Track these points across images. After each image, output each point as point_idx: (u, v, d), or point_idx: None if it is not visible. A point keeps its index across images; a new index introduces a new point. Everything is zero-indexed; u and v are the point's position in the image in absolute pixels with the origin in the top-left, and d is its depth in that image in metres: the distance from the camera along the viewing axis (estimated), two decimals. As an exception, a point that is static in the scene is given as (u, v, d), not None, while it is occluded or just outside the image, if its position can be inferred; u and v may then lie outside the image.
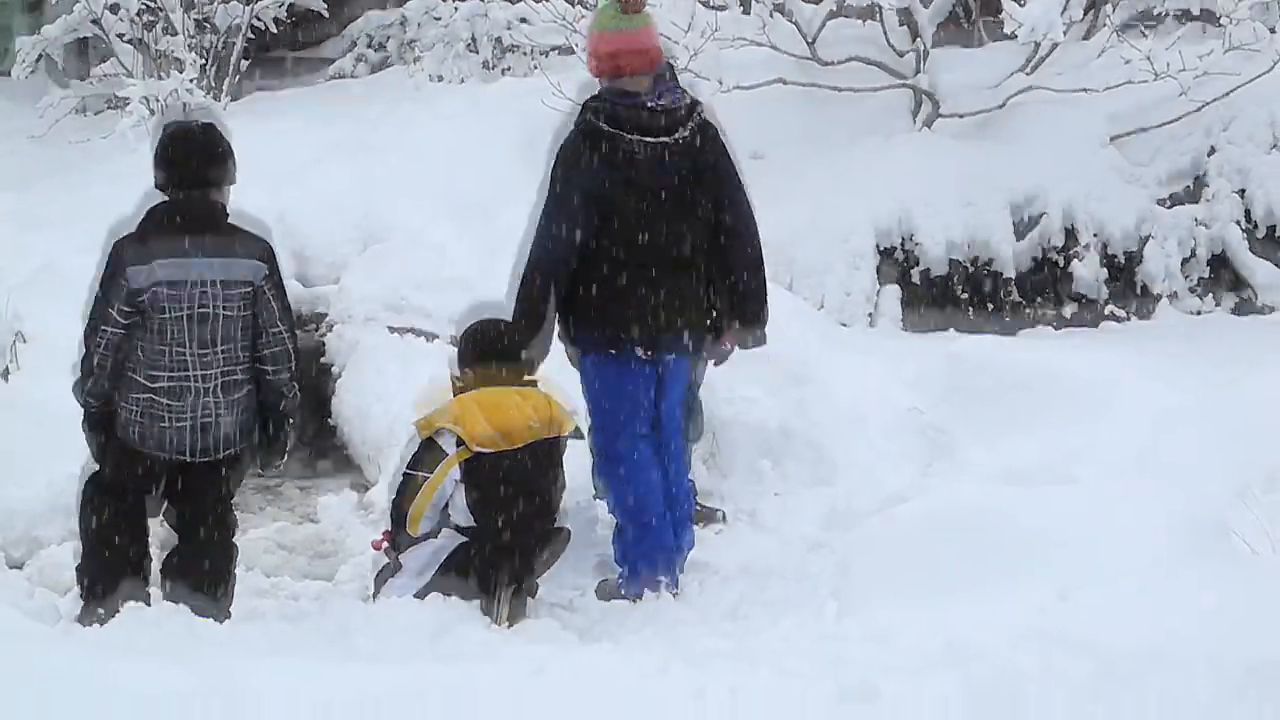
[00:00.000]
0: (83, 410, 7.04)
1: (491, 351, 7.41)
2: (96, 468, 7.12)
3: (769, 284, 7.88)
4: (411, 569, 7.21)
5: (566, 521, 7.53)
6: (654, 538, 7.52)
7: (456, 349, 7.59)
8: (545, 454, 7.31)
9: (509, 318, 7.54)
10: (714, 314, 7.77)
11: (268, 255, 7.04)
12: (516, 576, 7.22)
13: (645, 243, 7.45)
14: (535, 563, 7.33)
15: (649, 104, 7.45)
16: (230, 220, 7.02)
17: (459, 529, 7.21)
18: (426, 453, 7.25)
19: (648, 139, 7.41)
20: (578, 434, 7.49)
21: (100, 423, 7.02)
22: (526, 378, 7.42)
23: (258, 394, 7.10)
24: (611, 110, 7.43)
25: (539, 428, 7.26)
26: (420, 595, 7.09)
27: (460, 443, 7.17)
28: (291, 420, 7.30)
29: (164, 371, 6.88)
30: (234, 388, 7.00)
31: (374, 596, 7.29)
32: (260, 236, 7.09)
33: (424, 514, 7.21)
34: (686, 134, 7.48)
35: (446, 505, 7.22)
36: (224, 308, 6.91)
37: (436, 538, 7.22)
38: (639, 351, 7.49)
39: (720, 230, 7.63)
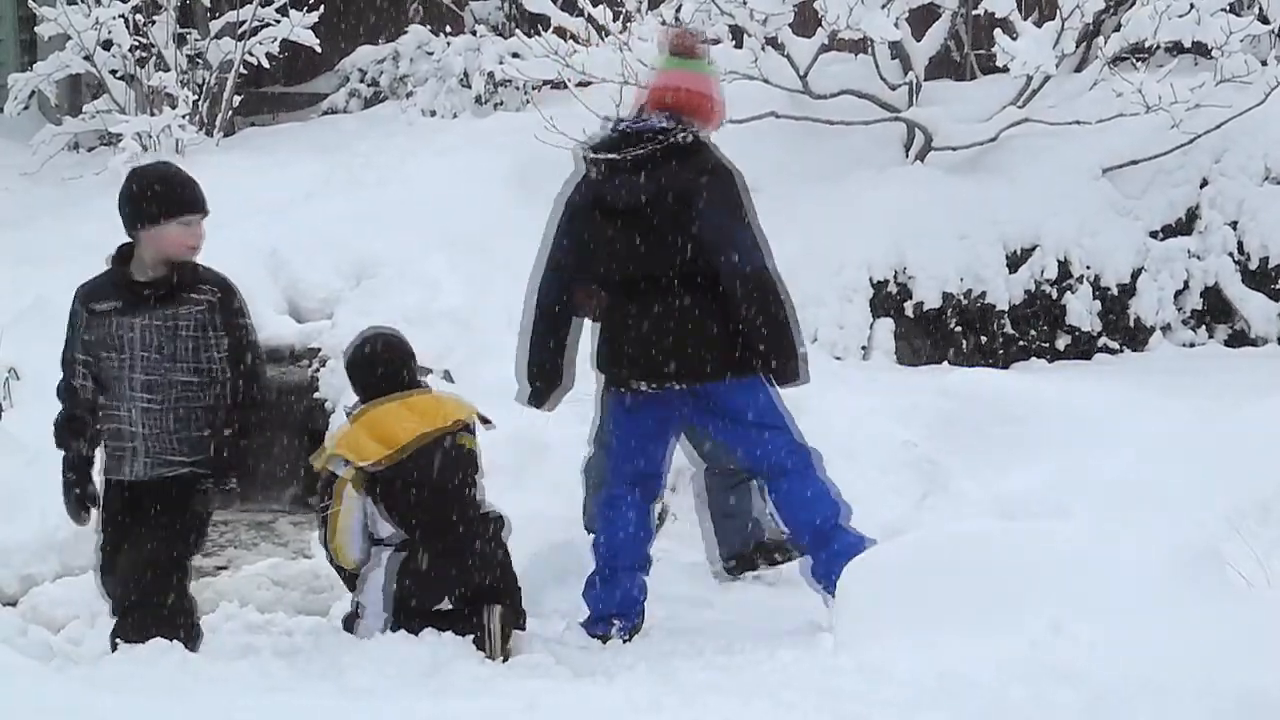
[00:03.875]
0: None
1: (368, 371, 7.40)
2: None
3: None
4: (370, 609, 7.20)
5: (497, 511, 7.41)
6: (615, 585, 7.43)
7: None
8: (444, 448, 7.23)
9: (387, 332, 7.56)
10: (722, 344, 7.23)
11: None
12: (464, 579, 7.18)
13: (614, 268, 7.24)
14: (476, 559, 7.24)
15: (622, 125, 7.30)
16: None
17: (385, 543, 7.20)
18: (328, 486, 7.23)
19: (599, 155, 7.23)
20: (485, 420, 7.41)
21: None
22: (419, 381, 7.43)
23: None
24: (598, 136, 7.35)
25: (425, 426, 7.20)
26: (388, 630, 7.10)
27: (348, 463, 7.17)
28: None
29: None
30: None
31: (348, 643, 7.27)
32: None
33: (347, 544, 7.21)
34: (641, 152, 7.12)
35: (370, 529, 7.21)
36: None
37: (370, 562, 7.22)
38: (640, 385, 7.27)
39: (712, 262, 7.16)
